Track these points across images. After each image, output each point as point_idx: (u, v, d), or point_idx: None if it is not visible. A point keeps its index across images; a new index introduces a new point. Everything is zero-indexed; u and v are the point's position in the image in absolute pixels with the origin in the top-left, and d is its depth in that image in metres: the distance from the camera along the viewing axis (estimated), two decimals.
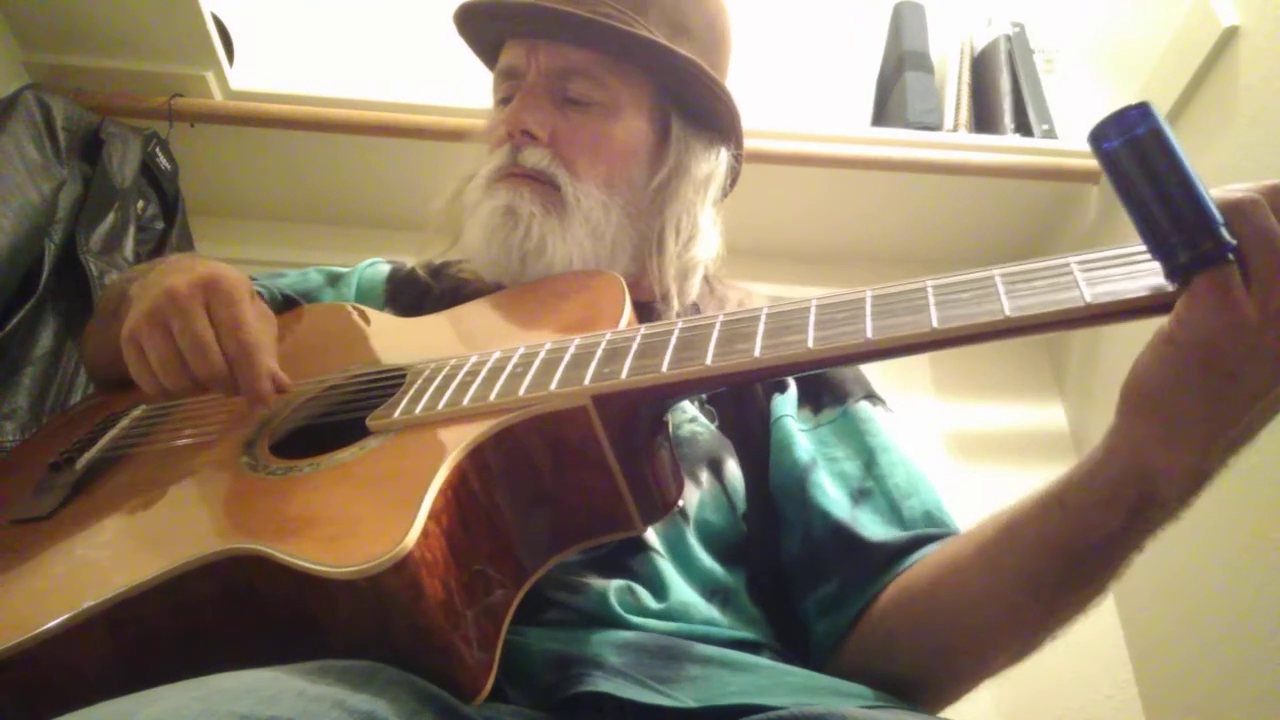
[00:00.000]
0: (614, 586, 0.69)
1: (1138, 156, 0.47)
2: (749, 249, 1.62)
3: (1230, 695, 1.28)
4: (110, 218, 1.33)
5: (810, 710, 0.56)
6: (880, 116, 1.80)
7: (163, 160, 1.47)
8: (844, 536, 0.76)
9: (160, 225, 1.45)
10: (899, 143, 1.62)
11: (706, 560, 0.76)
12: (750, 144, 1.52)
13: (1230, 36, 1.35)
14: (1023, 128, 1.69)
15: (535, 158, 0.90)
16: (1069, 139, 1.67)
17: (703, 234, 0.95)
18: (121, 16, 1.44)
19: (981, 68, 1.79)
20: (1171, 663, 1.41)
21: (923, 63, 1.76)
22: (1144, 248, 0.50)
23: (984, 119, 1.74)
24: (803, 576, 0.79)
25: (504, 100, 0.96)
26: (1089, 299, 0.50)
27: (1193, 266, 0.47)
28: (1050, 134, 1.68)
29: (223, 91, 1.54)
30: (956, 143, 1.64)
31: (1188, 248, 0.46)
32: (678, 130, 0.96)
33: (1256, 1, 1.33)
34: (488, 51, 1.02)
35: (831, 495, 0.79)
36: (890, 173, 1.61)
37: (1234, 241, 0.46)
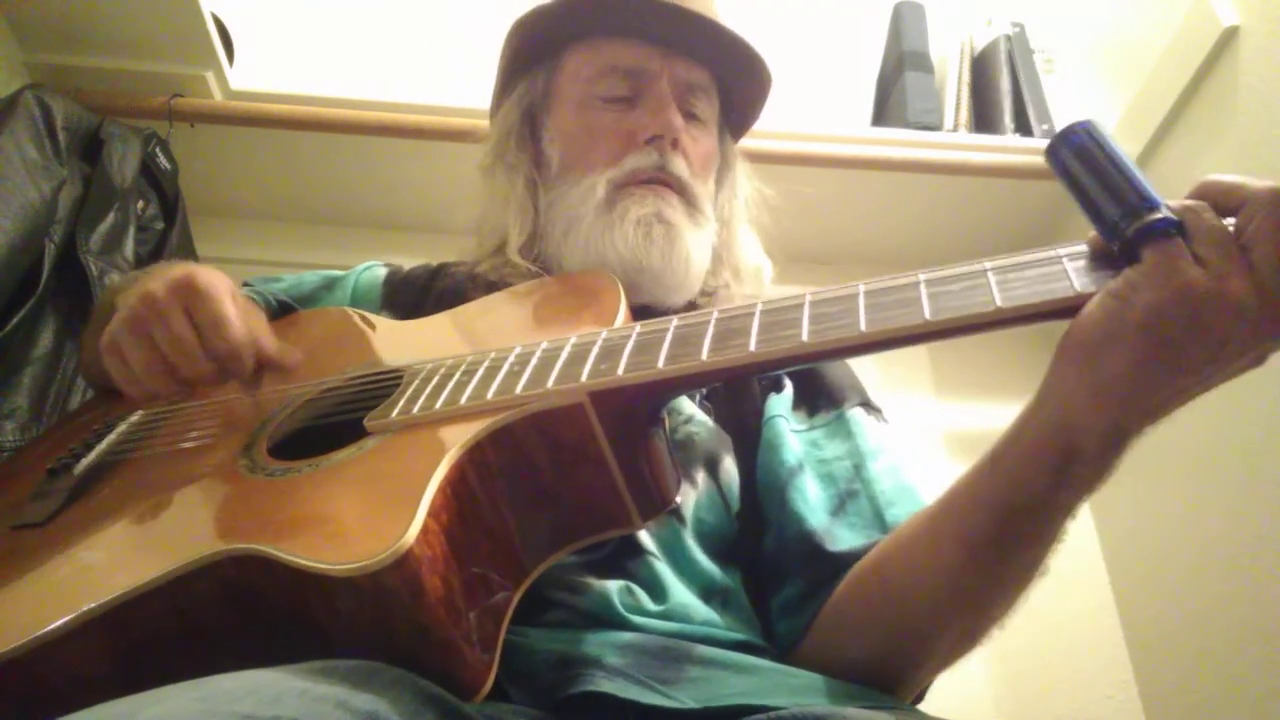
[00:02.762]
0: (615, 587, 0.69)
1: (1082, 156, 0.53)
2: None
3: (1230, 696, 1.28)
4: (110, 218, 1.33)
5: (811, 710, 0.57)
6: (880, 116, 1.79)
7: (163, 160, 1.47)
8: (812, 544, 0.76)
9: (160, 225, 1.45)
10: (899, 143, 1.62)
11: (703, 562, 0.76)
12: (750, 144, 1.53)
13: (1230, 36, 1.35)
14: (1023, 128, 1.69)
15: (681, 168, 0.91)
16: None
17: (757, 251, 1.01)
18: (121, 16, 1.43)
19: (981, 68, 1.79)
20: (1171, 663, 1.41)
21: (923, 63, 1.76)
22: None
23: (984, 119, 1.74)
24: (771, 577, 0.80)
25: (620, 99, 0.94)
26: (1079, 288, 0.52)
27: (1138, 239, 0.51)
28: (1050, 134, 1.67)
29: (223, 91, 1.54)
30: (956, 143, 1.64)
31: (1131, 219, 0.51)
32: (730, 150, 1.01)
33: (1256, 1, 1.33)
34: (545, 42, 0.99)
35: (811, 503, 0.79)
36: (890, 173, 1.61)
37: (1175, 216, 0.51)
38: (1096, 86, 1.71)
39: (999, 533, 0.62)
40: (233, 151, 1.59)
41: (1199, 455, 1.38)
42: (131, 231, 1.36)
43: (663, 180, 0.91)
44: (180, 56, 1.49)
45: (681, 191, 0.91)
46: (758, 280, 1.00)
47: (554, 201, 0.96)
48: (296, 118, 1.50)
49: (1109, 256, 0.54)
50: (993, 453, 0.63)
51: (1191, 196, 0.52)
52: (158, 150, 1.46)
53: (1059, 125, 1.70)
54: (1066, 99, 1.75)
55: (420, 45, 1.76)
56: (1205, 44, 1.38)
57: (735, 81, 0.99)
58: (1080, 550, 1.59)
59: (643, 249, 0.88)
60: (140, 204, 1.41)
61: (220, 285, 0.74)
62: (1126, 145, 1.55)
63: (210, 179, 1.62)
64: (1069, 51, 1.81)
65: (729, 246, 0.99)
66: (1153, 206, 0.51)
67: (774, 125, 1.58)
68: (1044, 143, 1.73)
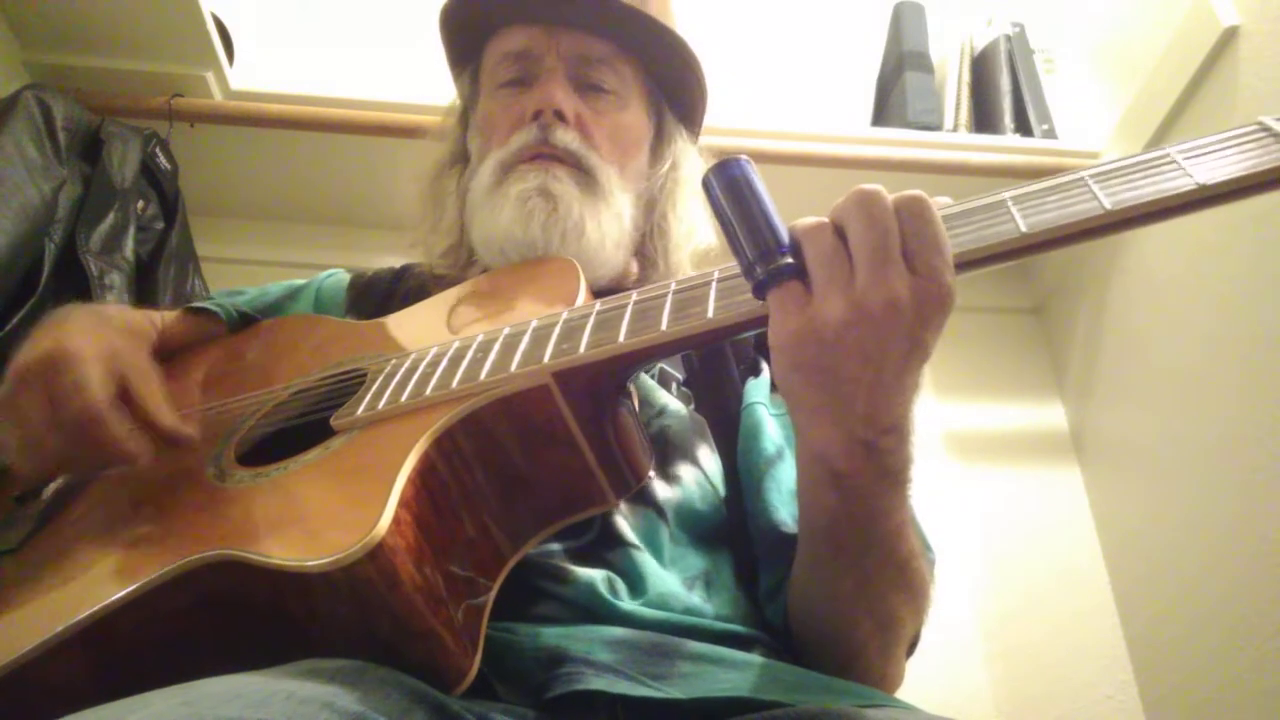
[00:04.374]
0: (599, 576, 0.69)
1: (732, 191, 0.54)
2: None
3: (1230, 696, 1.28)
4: (110, 218, 1.33)
5: (806, 708, 0.57)
6: (880, 116, 1.79)
7: (163, 160, 1.47)
8: (779, 533, 0.76)
9: (160, 225, 1.45)
10: (899, 143, 1.62)
11: (685, 551, 0.77)
12: (750, 144, 1.54)
13: (1230, 36, 1.36)
14: (1023, 128, 1.69)
15: (568, 138, 0.90)
16: (1069, 139, 1.67)
17: (698, 225, 0.98)
18: (121, 16, 1.44)
19: (981, 68, 1.79)
20: (1171, 663, 1.41)
21: (923, 63, 1.76)
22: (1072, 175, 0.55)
23: (984, 119, 1.74)
24: (756, 566, 0.80)
25: (512, 82, 0.95)
26: (1024, 229, 0.53)
27: (765, 283, 0.54)
28: (1050, 134, 1.68)
29: (223, 91, 1.54)
30: (956, 143, 1.64)
31: (760, 263, 0.54)
32: (670, 125, 0.98)
33: (1256, 1, 1.33)
34: (467, 43, 1.01)
35: (786, 491, 0.79)
36: (890, 173, 1.60)
37: (792, 261, 0.54)
38: (1096, 86, 1.71)
39: (832, 547, 0.65)
40: (233, 151, 1.59)
41: (1199, 456, 1.38)
42: (131, 231, 1.36)
43: (549, 154, 0.90)
44: (180, 56, 1.49)
45: (575, 164, 0.90)
46: (690, 239, 0.98)
47: (466, 193, 0.97)
48: (296, 118, 1.50)
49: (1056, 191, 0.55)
50: (796, 478, 0.67)
51: (831, 214, 0.55)
52: (158, 150, 1.46)
53: (1059, 125, 1.70)
54: (1066, 99, 1.75)
55: (420, 45, 1.76)
56: (1205, 44, 1.38)
57: (649, 54, 0.97)
58: (1080, 550, 1.60)
59: (521, 225, 0.88)
60: (140, 204, 1.41)
61: (85, 353, 0.71)
62: (1127, 145, 1.55)
63: (210, 179, 1.62)
64: (1069, 51, 1.81)
65: (665, 217, 0.97)
66: (782, 251, 0.54)
67: (774, 125, 1.59)
68: (1045, 143, 1.75)
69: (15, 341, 1.15)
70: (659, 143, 0.98)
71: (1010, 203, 0.55)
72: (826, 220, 0.54)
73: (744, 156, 0.55)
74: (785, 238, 0.54)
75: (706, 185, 0.55)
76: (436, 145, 1.08)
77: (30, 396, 0.70)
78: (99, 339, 0.74)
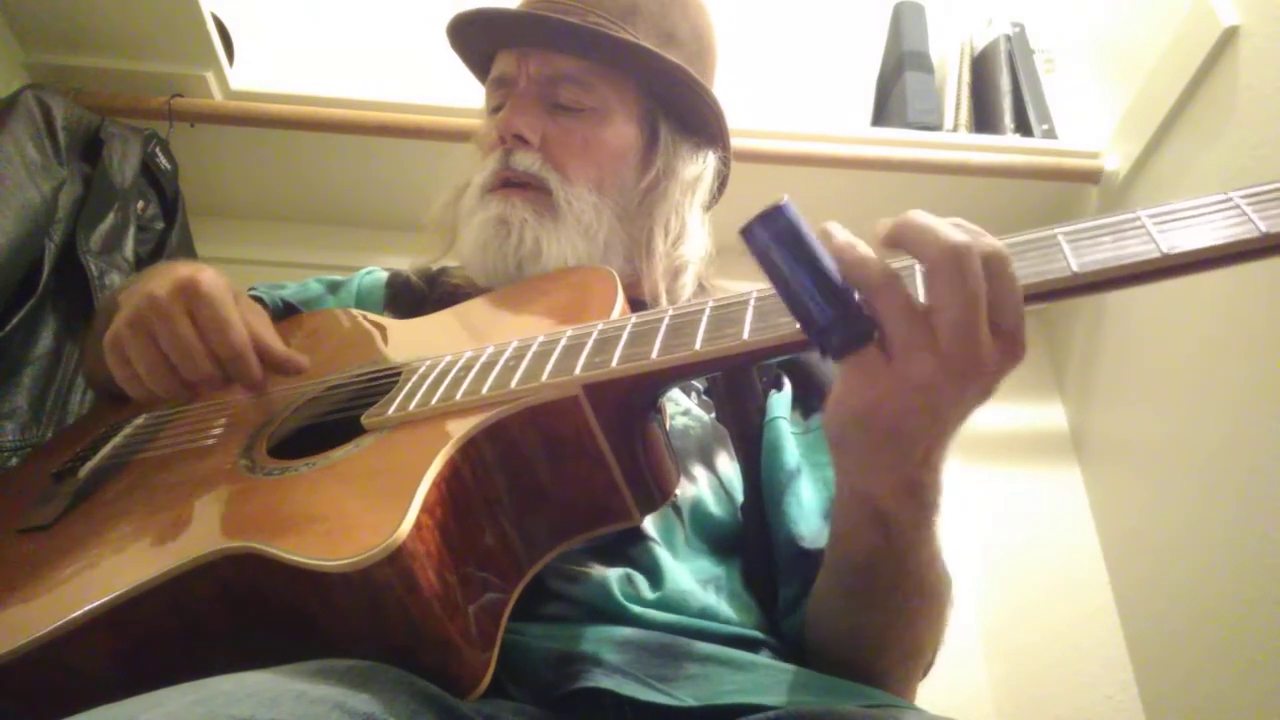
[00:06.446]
0: (615, 575, 0.69)
1: (783, 249, 0.50)
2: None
3: (1231, 696, 1.28)
4: (110, 218, 1.33)
5: (808, 709, 0.57)
6: (880, 116, 1.79)
7: (163, 160, 1.47)
8: (798, 548, 0.77)
9: (160, 225, 1.45)
10: (899, 143, 1.62)
11: (699, 552, 0.77)
12: (751, 144, 1.54)
13: (1230, 36, 1.35)
14: (1023, 128, 1.69)
15: (527, 161, 0.93)
16: (1069, 139, 1.67)
17: (691, 234, 0.97)
18: (121, 16, 1.44)
19: (981, 68, 1.79)
20: (1172, 664, 1.41)
21: (923, 63, 1.76)
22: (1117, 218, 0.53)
23: (984, 119, 1.74)
24: (775, 579, 0.81)
25: (496, 109, 0.98)
26: (1076, 268, 0.52)
27: (841, 349, 0.52)
28: (1050, 134, 1.68)
29: (223, 91, 1.54)
30: (956, 143, 1.64)
31: (838, 331, 0.51)
32: (665, 134, 0.98)
33: (1256, 1, 1.33)
34: (480, 64, 1.04)
35: (805, 506, 0.80)
36: (890, 173, 1.61)
37: (870, 325, 0.52)
38: (1096, 86, 1.71)
39: (869, 583, 0.66)
40: (233, 151, 1.59)
41: (1199, 456, 1.38)
42: (131, 231, 1.36)
43: (511, 179, 0.93)
44: (180, 56, 1.49)
45: (536, 186, 0.93)
46: (676, 246, 0.97)
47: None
48: (296, 118, 1.50)
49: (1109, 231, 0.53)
50: (832, 525, 0.68)
51: (888, 238, 0.53)
52: (157, 150, 1.46)
53: (1059, 125, 1.70)
54: (1066, 99, 1.75)
55: (420, 45, 1.76)
56: (1205, 44, 1.38)
57: (628, 66, 0.96)
58: (1080, 551, 1.59)
59: (481, 251, 0.93)
60: (140, 204, 1.41)
61: (222, 286, 0.75)
62: (1127, 145, 1.55)
63: (210, 179, 1.62)
64: (1069, 51, 1.81)
65: (654, 224, 0.97)
66: (852, 311, 0.51)
67: (774, 125, 1.59)
68: (1045, 143, 1.74)
69: (15, 341, 1.17)
70: (652, 152, 0.99)
71: (1061, 239, 0.54)
72: (893, 269, 0.52)
73: (785, 200, 0.51)
74: (854, 295, 0.51)
75: (750, 240, 0.51)
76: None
77: (170, 324, 0.72)
78: (223, 280, 0.77)
